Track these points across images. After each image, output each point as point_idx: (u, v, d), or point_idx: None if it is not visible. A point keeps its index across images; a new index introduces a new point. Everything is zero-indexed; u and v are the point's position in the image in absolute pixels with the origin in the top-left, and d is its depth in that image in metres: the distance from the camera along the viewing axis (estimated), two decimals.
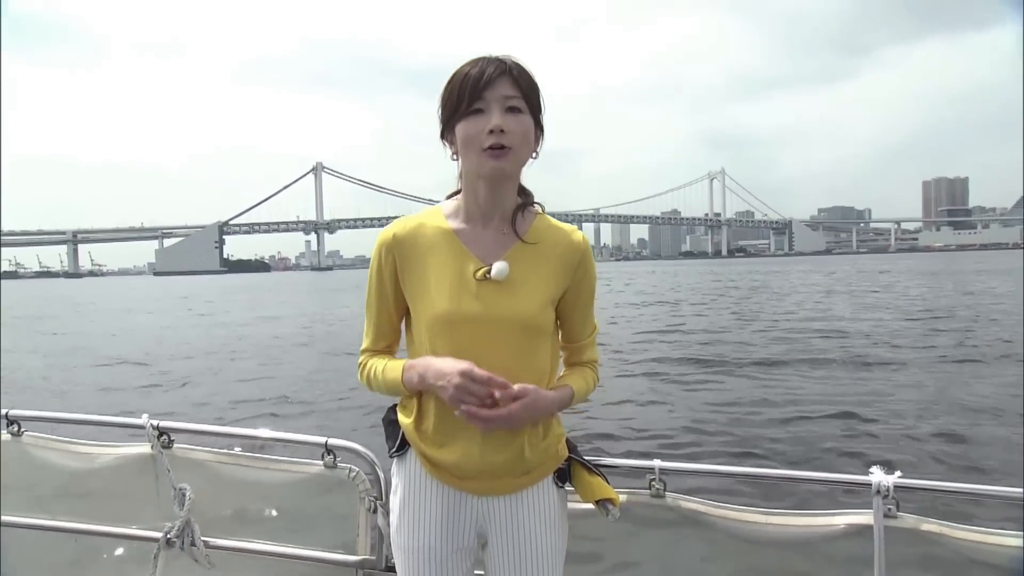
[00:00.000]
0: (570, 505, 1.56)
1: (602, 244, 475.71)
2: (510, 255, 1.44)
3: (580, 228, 1.42)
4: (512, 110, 1.38)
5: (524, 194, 1.50)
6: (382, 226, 1.49)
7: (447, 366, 1.35)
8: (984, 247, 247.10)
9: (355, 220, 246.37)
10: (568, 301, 1.50)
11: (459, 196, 1.50)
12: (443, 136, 1.44)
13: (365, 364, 1.53)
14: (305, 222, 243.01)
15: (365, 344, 1.55)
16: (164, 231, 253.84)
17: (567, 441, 1.55)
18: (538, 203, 1.52)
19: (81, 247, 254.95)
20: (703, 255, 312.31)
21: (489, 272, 1.40)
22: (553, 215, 1.47)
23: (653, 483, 1.65)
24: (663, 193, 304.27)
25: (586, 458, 1.55)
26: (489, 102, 1.37)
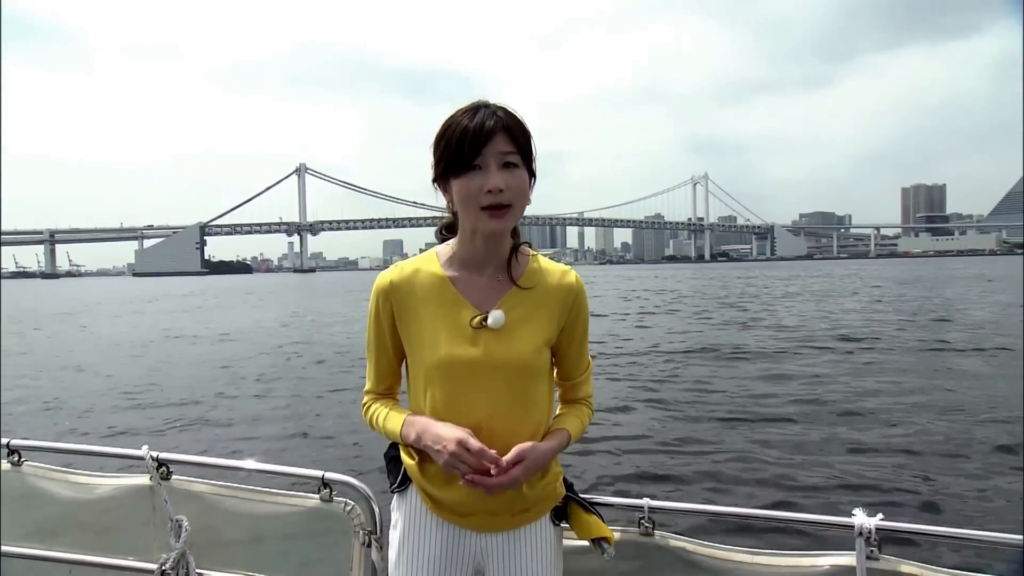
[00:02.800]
0: (565, 542, 1.61)
1: (586, 248, 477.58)
2: (505, 301, 1.47)
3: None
4: (508, 166, 1.40)
5: (516, 235, 1.52)
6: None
7: (445, 432, 1.39)
8: (961, 253, 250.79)
9: (338, 222, 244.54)
10: (563, 341, 1.53)
11: (453, 242, 1.52)
12: (435, 181, 1.46)
13: (369, 407, 1.58)
14: (288, 223, 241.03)
15: (368, 386, 1.60)
16: (144, 232, 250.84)
17: (564, 479, 1.58)
18: (526, 242, 1.54)
19: (59, 247, 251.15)
20: (686, 259, 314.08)
21: (485, 320, 1.43)
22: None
23: (643, 521, 1.69)
24: (647, 197, 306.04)
25: (581, 496, 1.59)
26: (487, 158, 1.38)
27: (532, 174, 1.46)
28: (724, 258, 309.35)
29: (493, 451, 1.37)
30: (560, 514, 1.56)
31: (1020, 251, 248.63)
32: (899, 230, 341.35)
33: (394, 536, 1.56)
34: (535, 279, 1.49)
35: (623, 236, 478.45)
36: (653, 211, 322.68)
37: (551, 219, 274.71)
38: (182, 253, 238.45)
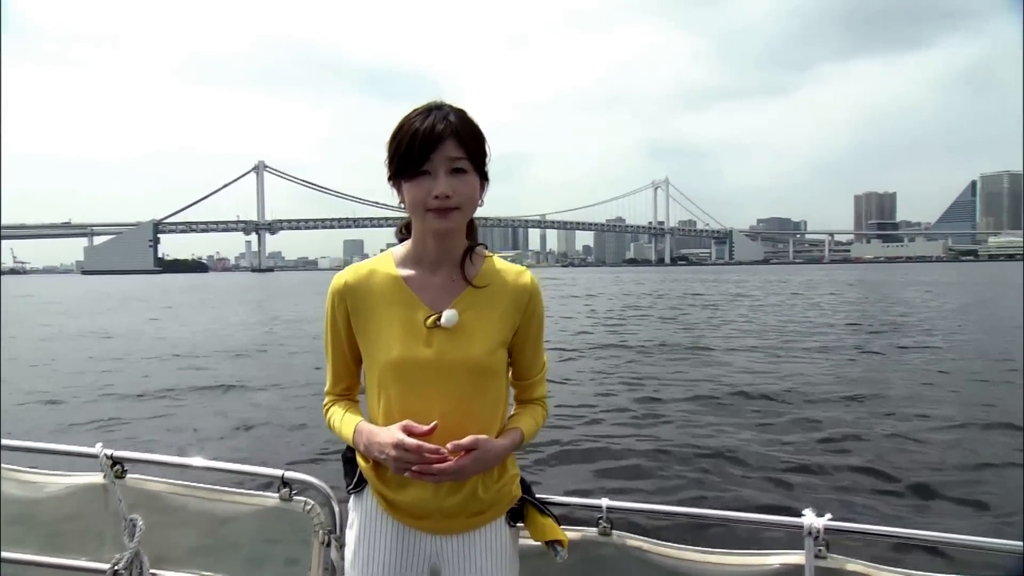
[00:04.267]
0: (521, 542, 1.63)
1: (547, 250, 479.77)
2: (460, 301, 1.48)
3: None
4: (457, 172, 1.41)
5: (472, 235, 1.54)
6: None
7: (383, 439, 1.41)
8: (910, 260, 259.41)
9: (298, 221, 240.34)
10: (518, 341, 1.54)
11: (409, 243, 1.54)
12: (390, 180, 1.48)
13: (328, 408, 1.60)
14: (245, 222, 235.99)
15: (327, 387, 1.61)
16: (94, 228, 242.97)
17: (521, 481, 1.60)
18: (481, 243, 1.55)
19: (4, 243, 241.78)
20: (646, 263, 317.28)
21: (439, 320, 1.45)
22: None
23: (601, 521, 1.72)
24: (608, 201, 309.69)
25: (538, 497, 1.61)
26: (435, 164, 1.39)
27: (484, 177, 1.47)
28: (684, 262, 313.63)
29: (433, 445, 1.37)
30: (516, 516, 1.57)
31: (966, 258, 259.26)
32: (852, 236, 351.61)
33: (350, 536, 1.57)
34: (489, 279, 1.50)
35: (585, 239, 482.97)
36: (615, 214, 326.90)
37: (514, 221, 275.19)
38: (134, 251, 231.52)
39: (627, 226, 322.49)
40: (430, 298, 1.48)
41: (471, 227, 1.54)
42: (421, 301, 1.47)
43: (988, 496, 5.30)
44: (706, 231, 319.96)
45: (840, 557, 1.59)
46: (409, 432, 1.39)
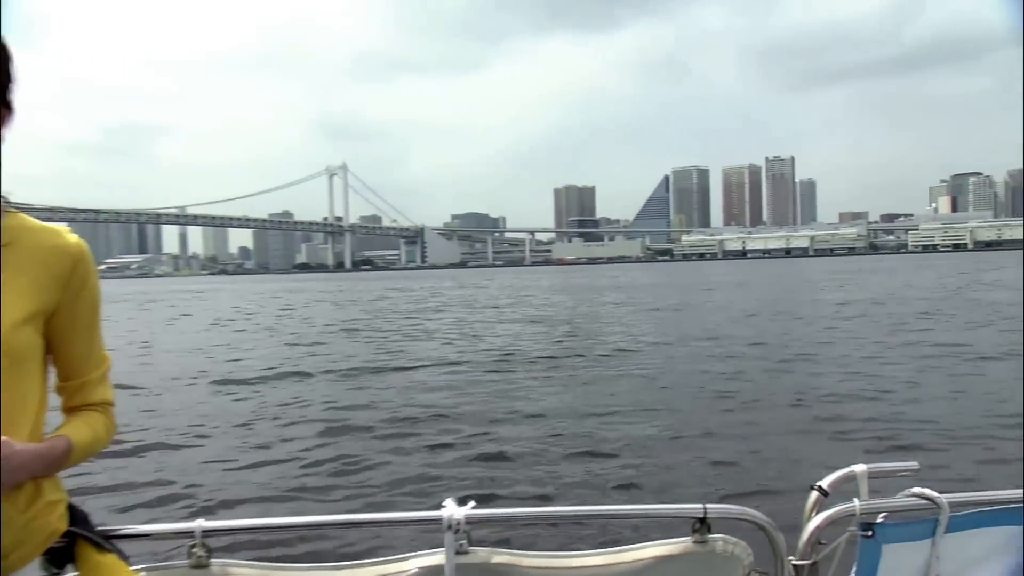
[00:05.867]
0: None
1: (190, 253, 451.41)
2: None
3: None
4: None
5: None
6: None
7: None
8: (611, 260, 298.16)
9: None
10: (62, 324, 1.45)
11: None
12: None
13: None
14: None
15: None
16: None
17: (70, 509, 1.48)
18: (3, 196, 1.43)
19: None
20: (323, 268, 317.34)
21: None
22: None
23: (194, 549, 1.65)
24: (272, 190, 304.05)
25: (99, 529, 1.51)
26: None
27: (7, 106, 1.40)
28: (368, 266, 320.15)
29: None
30: (61, 558, 1.45)
31: (663, 258, 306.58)
32: (554, 235, 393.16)
33: None
34: (13, 236, 1.40)
35: (242, 239, 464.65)
36: (281, 207, 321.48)
37: (140, 215, 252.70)
38: None
39: (297, 223, 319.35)
40: None
41: None
42: None
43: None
44: (394, 229, 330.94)
45: (484, 549, 1.71)
46: None
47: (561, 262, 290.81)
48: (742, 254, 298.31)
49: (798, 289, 47.57)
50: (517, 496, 6.81)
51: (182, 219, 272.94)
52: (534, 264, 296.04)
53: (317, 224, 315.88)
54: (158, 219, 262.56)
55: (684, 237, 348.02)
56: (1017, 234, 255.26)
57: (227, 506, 6.56)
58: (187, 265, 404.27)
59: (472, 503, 1.72)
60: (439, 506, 1.72)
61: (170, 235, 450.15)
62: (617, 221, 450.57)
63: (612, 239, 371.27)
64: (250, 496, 6.87)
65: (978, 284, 43.47)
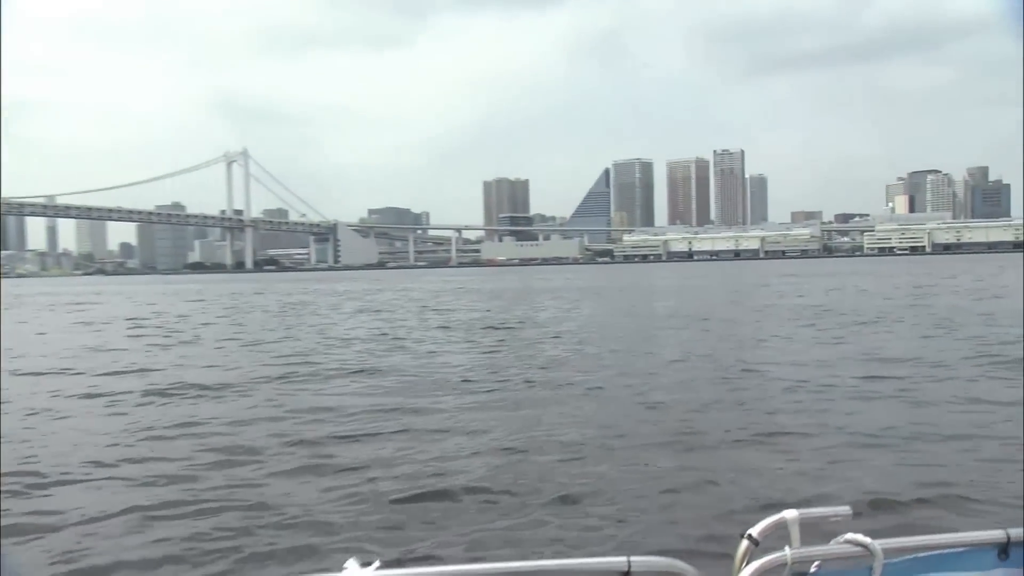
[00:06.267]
0: None
1: (61, 250, 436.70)
2: None
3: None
4: None
5: None
6: None
7: None
8: (546, 261, 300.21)
9: None
10: None
11: None
12: None
13: None
14: None
15: None
16: None
17: None
18: None
19: None
20: (219, 267, 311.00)
21: None
22: None
23: None
24: (159, 178, 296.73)
25: None
26: None
27: None
28: (273, 266, 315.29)
29: None
30: None
31: (602, 259, 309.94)
32: (483, 233, 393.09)
33: None
34: None
35: (124, 234, 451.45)
36: (171, 199, 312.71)
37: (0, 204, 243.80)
38: None
39: (189, 216, 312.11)
40: None
41: None
42: None
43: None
44: (303, 224, 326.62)
45: None
46: None
47: (491, 263, 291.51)
48: (688, 256, 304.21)
49: (747, 292, 49.82)
50: (430, 555, 6.82)
51: (51, 210, 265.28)
52: (461, 265, 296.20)
53: (213, 218, 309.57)
54: (21, 210, 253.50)
55: (626, 237, 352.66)
56: (977, 236, 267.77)
57: None
58: (57, 264, 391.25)
59: (377, 563, 1.70)
60: (341, 567, 1.70)
61: (37, 229, 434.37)
62: (553, 219, 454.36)
63: (547, 238, 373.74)
64: None
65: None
